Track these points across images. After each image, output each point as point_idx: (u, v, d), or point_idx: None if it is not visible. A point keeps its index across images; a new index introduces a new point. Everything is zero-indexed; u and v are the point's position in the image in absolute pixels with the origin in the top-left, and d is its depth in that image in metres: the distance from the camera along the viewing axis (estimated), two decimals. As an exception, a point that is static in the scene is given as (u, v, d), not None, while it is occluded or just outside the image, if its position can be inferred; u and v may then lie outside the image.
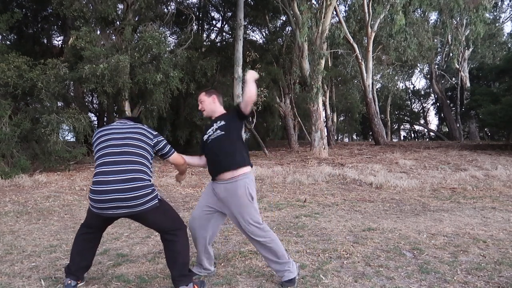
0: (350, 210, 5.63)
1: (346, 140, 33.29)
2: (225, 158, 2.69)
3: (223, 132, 2.72)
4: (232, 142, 2.72)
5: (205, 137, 2.82)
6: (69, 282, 2.61)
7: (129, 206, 2.38)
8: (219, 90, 3.10)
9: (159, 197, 2.55)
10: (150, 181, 2.51)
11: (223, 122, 2.76)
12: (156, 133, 2.73)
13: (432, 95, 29.91)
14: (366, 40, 15.69)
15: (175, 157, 2.79)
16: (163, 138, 2.72)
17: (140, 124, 2.71)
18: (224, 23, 18.67)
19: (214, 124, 2.80)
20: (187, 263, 2.59)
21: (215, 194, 2.77)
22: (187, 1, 16.58)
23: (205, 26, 18.33)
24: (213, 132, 2.76)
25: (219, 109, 2.92)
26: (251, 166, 2.78)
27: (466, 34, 17.52)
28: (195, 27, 14.13)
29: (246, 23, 16.24)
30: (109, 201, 2.36)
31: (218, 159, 2.72)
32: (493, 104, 12.56)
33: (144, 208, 2.43)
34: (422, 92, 32.71)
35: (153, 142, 2.64)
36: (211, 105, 2.90)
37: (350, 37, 14.31)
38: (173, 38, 16.47)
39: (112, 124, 2.71)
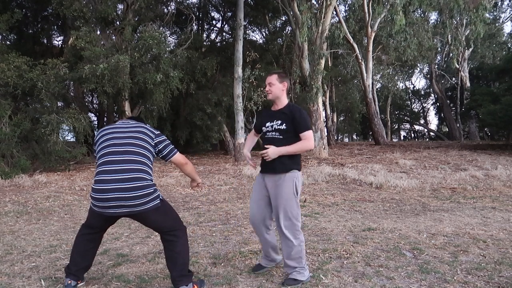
0: (350, 210, 5.63)
1: (346, 140, 33.30)
2: (278, 161, 2.72)
3: (280, 137, 2.76)
4: (284, 146, 2.74)
5: (264, 128, 2.88)
6: (69, 282, 2.61)
7: (130, 206, 2.39)
8: (288, 76, 3.05)
9: (161, 197, 2.55)
10: (151, 181, 2.51)
11: (284, 127, 2.76)
12: (158, 132, 2.69)
13: (432, 95, 29.91)
14: (366, 40, 15.69)
15: (177, 158, 2.70)
16: (165, 138, 2.69)
17: (143, 123, 2.71)
18: (224, 23, 18.67)
19: (274, 121, 2.80)
20: (187, 263, 2.60)
21: (266, 185, 2.82)
22: (187, 1, 16.58)
23: (205, 26, 18.32)
24: (272, 129, 2.81)
25: (284, 99, 2.87)
26: (299, 169, 2.80)
27: (466, 34, 17.52)
28: (195, 27, 14.12)
29: (246, 23, 16.24)
30: (110, 200, 2.37)
31: (272, 160, 2.74)
32: (493, 104, 12.56)
33: (145, 208, 2.43)
34: (422, 92, 32.72)
35: (154, 142, 2.61)
36: (279, 91, 2.83)
37: (350, 37, 14.30)
38: (173, 38, 16.49)
39: (115, 123, 2.72)
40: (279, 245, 2.92)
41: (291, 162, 2.75)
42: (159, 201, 2.51)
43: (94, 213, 2.57)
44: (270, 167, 2.76)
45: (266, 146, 2.76)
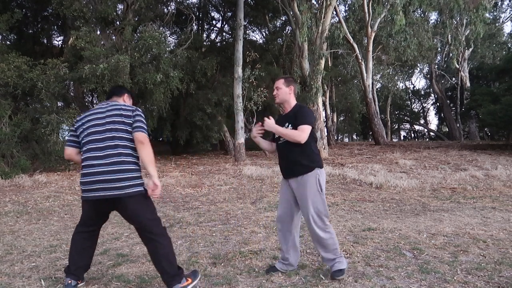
0: (350, 210, 5.63)
1: (346, 140, 33.29)
2: (294, 165, 2.80)
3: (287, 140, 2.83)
4: (297, 148, 2.79)
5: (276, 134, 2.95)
6: (70, 282, 2.61)
7: (113, 188, 2.42)
8: (296, 81, 3.10)
9: (145, 187, 2.53)
10: (135, 164, 2.52)
11: (291, 127, 2.82)
12: (135, 108, 2.66)
13: (432, 95, 29.90)
14: (366, 40, 15.69)
15: (138, 136, 2.53)
16: (141, 116, 2.61)
17: (118, 102, 2.68)
18: (224, 23, 18.67)
19: (285, 125, 2.86)
20: (174, 262, 2.57)
21: (290, 188, 2.88)
22: (187, 1, 16.58)
23: (205, 26, 18.31)
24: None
25: (292, 101, 2.95)
26: (320, 167, 2.83)
27: (466, 34, 17.52)
28: (195, 27, 14.11)
29: (246, 23, 16.24)
30: (94, 183, 2.44)
31: (289, 166, 2.84)
32: (493, 104, 12.55)
33: (127, 192, 2.43)
34: (422, 92, 32.71)
35: (132, 120, 2.57)
36: (286, 95, 2.92)
37: (350, 37, 14.30)
38: (173, 38, 16.48)
39: (94, 108, 2.72)
40: (299, 246, 3.02)
41: (309, 161, 2.81)
42: (142, 188, 2.51)
43: (85, 205, 2.62)
44: (290, 172, 2.85)
45: (260, 124, 2.89)
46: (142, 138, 2.52)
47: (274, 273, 2.91)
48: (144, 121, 2.62)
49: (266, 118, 2.85)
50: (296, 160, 2.79)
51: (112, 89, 2.99)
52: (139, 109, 2.67)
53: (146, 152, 2.51)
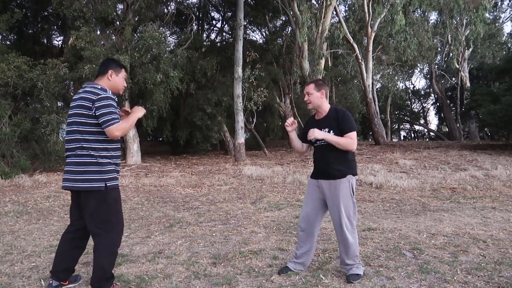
0: (350, 210, 5.62)
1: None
2: (333, 169, 2.78)
3: (327, 143, 2.81)
4: (337, 152, 2.79)
5: (312, 138, 2.87)
6: (51, 282, 2.64)
7: (74, 180, 2.45)
8: (326, 83, 3.06)
9: (108, 186, 2.45)
10: (96, 158, 2.42)
11: (331, 133, 2.80)
12: (100, 96, 2.42)
13: (432, 95, 29.90)
14: (366, 40, 15.67)
15: (109, 132, 2.39)
16: (104, 102, 2.40)
17: (89, 87, 2.50)
18: (224, 23, 18.66)
19: (322, 129, 2.83)
20: (105, 273, 2.50)
21: (319, 188, 2.87)
22: (187, 1, 16.57)
23: (205, 26, 18.31)
24: (319, 139, 2.83)
25: (325, 105, 2.91)
26: (354, 174, 2.84)
27: (466, 34, 17.51)
28: (195, 27, 14.11)
29: (246, 23, 16.23)
30: (64, 172, 2.53)
31: (328, 169, 2.81)
32: (493, 104, 12.55)
33: (86, 186, 2.42)
34: (422, 92, 32.69)
35: (94, 112, 2.40)
36: (318, 100, 2.87)
37: (350, 37, 14.29)
38: (173, 38, 16.48)
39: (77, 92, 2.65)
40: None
41: (347, 168, 2.81)
42: (103, 184, 2.43)
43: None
44: (326, 173, 2.81)
45: (310, 132, 2.80)
46: (111, 133, 2.39)
47: (287, 273, 2.90)
48: (109, 109, 2.40)
49: (311, 130, 2.79)
50: (335, 164, 2.78)
51: (99, 66, 2.74)
52: (104, 95, 2.44)
53: (123, 132, 2.46)
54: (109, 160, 2.49)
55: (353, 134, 2.77)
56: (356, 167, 2.89)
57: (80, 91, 2.55)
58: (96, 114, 2.40)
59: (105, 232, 2.48)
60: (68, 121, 2.54)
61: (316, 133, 2.76)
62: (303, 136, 3.03)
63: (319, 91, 2.85)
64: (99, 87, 2.51)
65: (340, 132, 2.78)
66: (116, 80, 2.62)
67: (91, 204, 2.45)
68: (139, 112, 2.61)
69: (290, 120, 3.02)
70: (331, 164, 2.79)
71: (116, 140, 2.53)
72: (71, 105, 2.56)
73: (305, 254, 2.94)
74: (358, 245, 2.87)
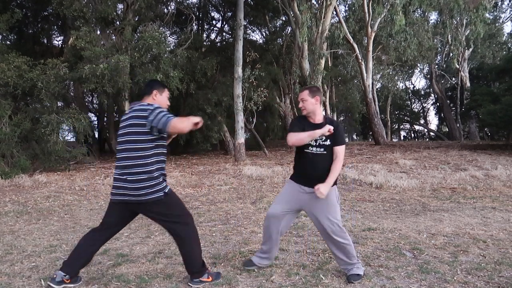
0: (350, 210, 5.62)
1: (346, 140, 33.24)
2: (323, 175, 2.78)
3: (325, 152, 2.83)
4: (330, 163, 2.82)
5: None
6: (54, 276, 2.64)
7: (133, 195, 2.53)
8: (320, 89, 3.05)
9: (166, 190, 2.60)
10: (151, 173, 2.54)
11: (328, 142, 2.82)
12: (152, 108, 2.53)
13: (432, 95, 29.89)
14: (366, 40, 15.67)
15: (173, 125, 2.47)
16: (158, 109, 2.52)
17: (139, 105, 2.62)
18: (224, 23, 18.66)
19: (318, 137, 2.83)
20: (197, 259, 2.72)
21: (303, 192, 2.87)
22: (187, 1, 16.57)
23: (205, 26, 18.30)
24: (316, 145, 2.84)
25: (319, 111, 2.92)
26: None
27: (466, 34, 17.51)
28: (195, 27, 14.11)
29: (246, 23, 16.23)
30: (119, 188, 2.59)
31: (317, 175, 2.80)
32: (493, 104, 12.55)
33: (146, 199, 2.53)
34: (422, 92, 32.68)
35: (149, 124, 2.51)
36: (313, 105, 2.87)
37: (350, 37, 14.30)
38: (173, 38, 16.47)
39: (124, 113, 2.79)
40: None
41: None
42: (162, 194, 2.57)
43: (111, 206, 2.71)
44: (317, 182, 2.76)
45: (318, 192, 2.73)
46: (174, 126, 2.46)
47: (251, 267, 2.97)
48: (163, 111, 2.54)
49: (320, 192, 2.74)
50: (326, 174, 2.78)
51: (143, 88, 2.91)
52: (155, 106, 2.57)
53: (182, 126, 2.51)
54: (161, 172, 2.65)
55: (343, 148, 2.85)
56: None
57: (129, 110, 2.70)
58: (153, 120, 2.49)
59: (182, 227, 2.67)
60: (121, 139, 2.64)
61: (324, 192, 2.71)
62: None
63: (314, 97, 2.87)
64: (146, 103, 2.64)
65: (333, 144, 2.81)
66: (160, 99, 2.77)
67: (157, 210, 2.61)
68: (196, 118, 2.60)
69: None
70: (324, 173, 2.78)
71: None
72: (121, 125, 2.67)
73: (272, 247, 2.98)
74: (353, 245, 2.86)
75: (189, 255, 2.69)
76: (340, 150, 2.82)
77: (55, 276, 2.64)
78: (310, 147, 2.85)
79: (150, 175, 2.54)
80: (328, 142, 2.81)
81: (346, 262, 2.83)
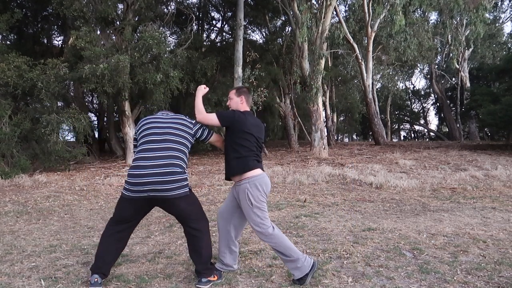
0: (350, 210, 5.62)
1: (346, 140, 33.27)
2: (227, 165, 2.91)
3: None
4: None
5: None
6: (96, 280, 2.63)
7: (163, 190, 2.55)
8: (248, 90, 3.17)
9: (189, 187, 2.74)
10: (185, 169, 2.68)
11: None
12: (195, 121, 2.92)
13: (432, 95, 29.89)
14: (366, 40, 15.68)
15: (213, 138, 2.98)
16: (201, 125, 2.92)
17: (181, 115, 2.95)
18: (224, 23, 18.66)
19: None
20: (211, 256, 2.79)
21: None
22: (187, 1, 16.57)
23: (205, 26, 18.31)
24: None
25: (245, 110, 3.03)
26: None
27: (466, 34, 17.50)
28: (195, 27, 14.11)
29: (246, 23, 16.23)
30: (145, 184, 2.54)
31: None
32: (493, 104, 12.55)
33: (175, 194, 2.58)
34: (422, 92, 32.68)
35: (193, 131, 2.85)
36: (237, 104, 3.03)
37: (350, 37, 14.30)
38: (173, 38, 16.47)
39: (156, 114, 2.91)
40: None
41: (235, 169, 2.86)
42: (188, 189, 2.67)
43: (125, 203, 2.67)
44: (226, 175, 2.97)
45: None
46: (217, 137, 3.00)
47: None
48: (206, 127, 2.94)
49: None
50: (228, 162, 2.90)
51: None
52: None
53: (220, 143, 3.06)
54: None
55: (211, 114, 2.96)
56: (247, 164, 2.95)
57: (168, 113, 2.95)
58: (197, 131, 2.91)
59: (202, 224, 2.78)
60: (159, 138, 2.73)
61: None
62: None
63: (239, 97, 3.03)
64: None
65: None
66: None
67: (183, 206, 2.68)
68: (200, 90, 3.08)
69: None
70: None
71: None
72: (160, 125, 2.80)
73: (223, 253, 2.96)
74: (289, 244, 2.79)
75: (207, 250, 2.77)
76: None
77: (96, 279, 2.63)
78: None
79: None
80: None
81: (286, 260, 2.81)
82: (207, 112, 2.94)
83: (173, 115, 2.88)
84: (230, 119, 2.86)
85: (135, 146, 2.82)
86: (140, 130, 2.80)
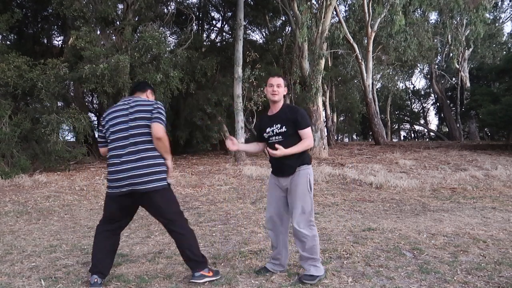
0: (350, 210, 5.62)
1: (346, 140, 33.26)
2: (285, 165, 2.83)
3: (282, 139, 2.84)
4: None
5: (265, 134, 2.94)
6: (96, 280, 2.64)
7: (141, 183, 2.55)
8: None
9: (168, 183, 2.70)
10: (160, 158, 2.65)
11: (284, 129, 2.84)
12: (155, 102, 2.79)
13: (432, 95, 29.89)
14: (366, 40, 15.67)
15: (156, 127, 2.64)
16: (160, 109, 2.73)
17: (141, 98, 2.81)
18: (224, 23, 18.65)
19: (274, 125, 2.88)
20: (197, 253, 2.74)
21: (279, 186, 2.92)
22: (187, 1, 16.56)
23: (205, 26, 18.29)
24: (273, 134, 2.88)
25: (281, 103, 2.97)
26: (309, 164, 2.89)
27: (466, 34, 17.51)
28: (195, 27, 14.10)
29: (246, 23, 16.22)
30: (124, 179, 2.58)
31: (281, 164, 2.86)
32: (493, 104, 12.55)
33: (153, 186, 2.57)
34: (422, 92, 32.67)
35: (151, 114, 2.69)
36: (282, 94, 2.94)
37: (350, 37, 14.29)
38: (173, 38, 16.45)
39: (117, 105, 2.82)
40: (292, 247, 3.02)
41: (298, 162, 2.82)
42: (166, 183, 2.65)
43: (109, 200, 2.72)
44: (280, 171, 2.89)
45: (271, 151, 2.80)
46: (157, 129, 2.64)
47: (266, 273, 2.91)
48: (164, 114, 2.73)
49: (271, 151, 2.78)
50: (287, 159, 2.80)
51: (135, 84, 3.18)
52: (160, 103, 2.79)
53: (162, 145, 2.68)
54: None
55: (309, 130, 2.84)
56: (308, 157, 2.91)
57: (130, 99, 2.80)
58: (154, 118, 2.69)
59: (180, 223, 2.74)
60: (122, 127, 2.70)
61: (278, 153, 2.76)
62: (259, 134, 3.04)
63: (285, 87, 2.96)
64: (147, 99, 2.86)
65: (295, 128, 2.82)
66: (151, 99, 2.95)
67: (160, 201, 2.65)
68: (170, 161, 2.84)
69: (229, 142, 2.95)
70: (287, 160, 2.81)
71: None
72: (122, 112, 2.74)
73: (280, 252, 2.95)
74: (319, 245, 2.85)
75: (191, 249, 2.74)
76: (305, 133, 2.82)
77: (96, 280, 2.64)
78: (270, 138, 2.91)
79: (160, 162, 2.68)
80: (284, 129, 2.82)
81: (302, 257, 2.82)
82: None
83: (134, 102, 2.75)
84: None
85: (100, 143, 2.82)
86: (105, 128, 2.75)
